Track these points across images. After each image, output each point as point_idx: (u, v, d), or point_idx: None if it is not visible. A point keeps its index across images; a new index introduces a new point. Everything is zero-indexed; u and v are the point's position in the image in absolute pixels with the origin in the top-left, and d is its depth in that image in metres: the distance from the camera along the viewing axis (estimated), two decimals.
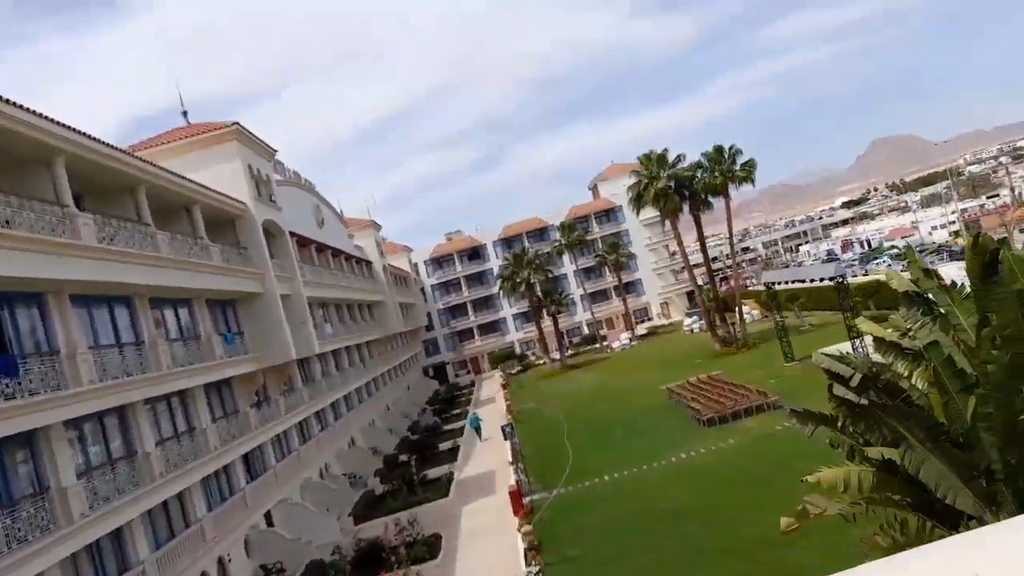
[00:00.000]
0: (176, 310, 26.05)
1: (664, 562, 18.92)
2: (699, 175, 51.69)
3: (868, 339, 31.79)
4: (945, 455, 9.70)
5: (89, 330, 20.14)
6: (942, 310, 11.51)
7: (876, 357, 13.99)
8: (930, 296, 11.77)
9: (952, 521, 10.31)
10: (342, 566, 23.88)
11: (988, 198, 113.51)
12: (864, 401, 10.75)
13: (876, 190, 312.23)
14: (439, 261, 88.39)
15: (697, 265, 64.17)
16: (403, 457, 40.41)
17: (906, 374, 11.65)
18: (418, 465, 35.61)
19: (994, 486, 9.73)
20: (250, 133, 33.42)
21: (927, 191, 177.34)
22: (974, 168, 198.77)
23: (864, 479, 10.65)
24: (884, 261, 75.71)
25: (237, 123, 32.07)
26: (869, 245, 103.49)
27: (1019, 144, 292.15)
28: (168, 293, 24.49)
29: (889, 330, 13.39)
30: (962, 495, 9.69)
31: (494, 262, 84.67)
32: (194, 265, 25.05)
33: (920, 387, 11.31)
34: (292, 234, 37.11)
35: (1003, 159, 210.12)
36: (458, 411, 57.85)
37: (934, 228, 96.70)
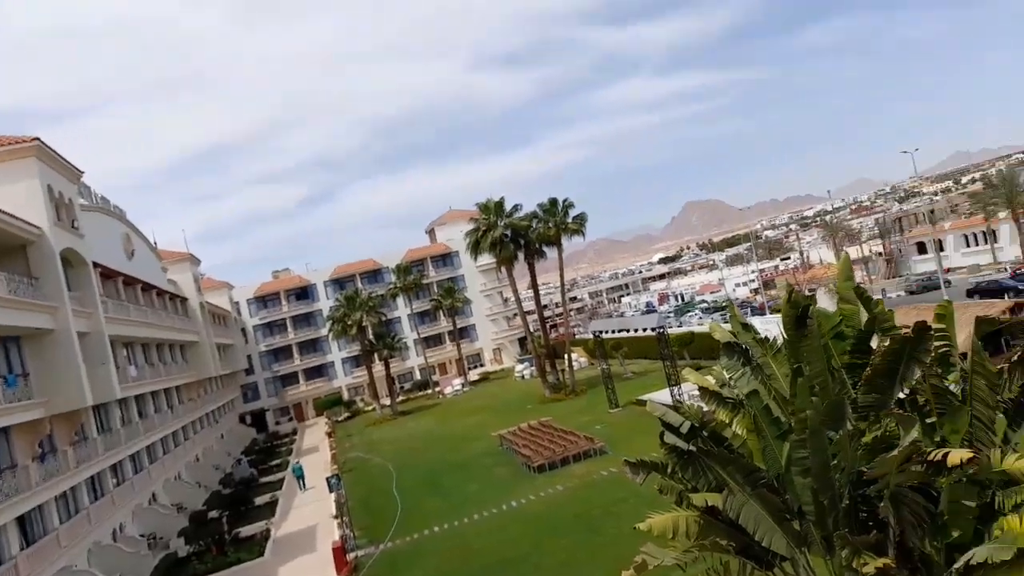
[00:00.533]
0: None
1: None
2: (534, 225, 53.45)
3: (686, 386, 33.94)
4: (762, 499, 10.15)
5: None
6: (758, 361, 12.25)
7: (698, 404, 14.72)
8: (747, 347, 12.51)
9: (768, 563, 10.84)
10: None
11: (782, 259, 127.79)
12: (692, 448, 11.08)
13: (688, 248, 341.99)
14: (264, 300, 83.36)
15: (529, 312, 65.81)
16: (213, 513, 36.79)
17: (727, 421, 12.23)
18: (231, 522, 32.57)
19: (805, 527, 10.30)
20: (53, 151, 29.85)
21: (731, 251, 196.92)
22: (770, 232, 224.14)
23: (691, 524, 10.90)
24: (696, 314, 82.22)
25: (38, 139, 28.56)
26: (683, 299, 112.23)
27: (806, 214, 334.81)
28: None
29: (711, 379, 14.08)
30: (776, 536, 10.15)
31: (324, 303, 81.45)
32: None
33: (740, 433, 11.90)
34: (96, 265, 33.39)
35: (793, 226, 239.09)
36: (278, 461, 54.10)
37: (737, 285, 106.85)
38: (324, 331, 75.92)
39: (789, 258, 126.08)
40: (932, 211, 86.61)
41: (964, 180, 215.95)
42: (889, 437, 10.05)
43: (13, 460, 24.68)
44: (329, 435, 58.68)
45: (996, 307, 32.03)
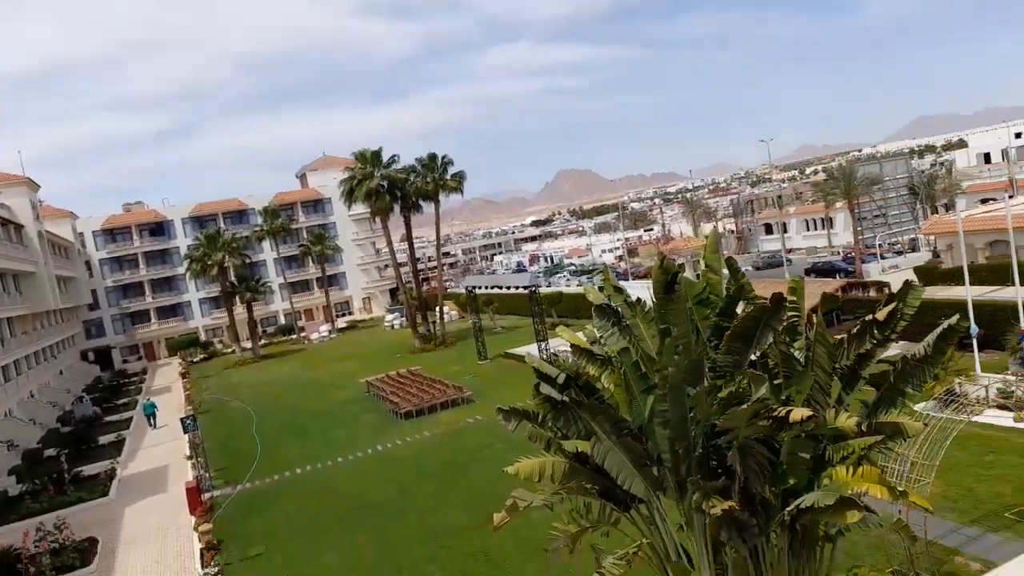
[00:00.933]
0: None
1: (356, 556, 18.63)
2: (412, 179, 52.70)
3: (554, 342, 35.31)
4: (626, 447, 10.95)
5: None
6: (627, 322, 13.07)
7: (571, 359, 15.51)
8: (618, 309, 13.29)
9: (627, 505, 11.79)
10: None
11: (645, 230, 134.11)
12: (566, 398, 11.70)
13: (560, 213, 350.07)
14: (113, 233, 76.88)
15: (402, 264, 65.23)
16: (50, 452, 34.34)
17: (597, 376, 13.02)
18: (70, 461, 30.50)
19: (662, 473, 11.26)
20: None
21: (600, 219, 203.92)
22: (636, 205, 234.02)
23: (557, 469, 11.54)
24: (564, 276, 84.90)
25: None
26: (552, 261, 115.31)
27: (669, 190, 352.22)
28: None
29: (582, 336, 14.83)
30: (636, 481, 11.01)
31: (182, 240, 76.47)
32: None
33: (608, 388, 12.71)
34: None
35: (657, 200, 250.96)
36: (125, 400, 50.94)
37: (604, 251, 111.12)
38: (181, 270, 71.50)
39: (652, 229, 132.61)
40: (779, 196, 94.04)
41: (808, 171, 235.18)
42: (741, 394, 11.05)
43: None
44: (183, 376, 55.94)
45: (830, 286, 35.66)
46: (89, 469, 30.83)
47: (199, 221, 78.18)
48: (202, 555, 19.59)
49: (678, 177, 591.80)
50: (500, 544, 17.40)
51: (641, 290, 15.64)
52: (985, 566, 13.25)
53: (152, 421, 40.57)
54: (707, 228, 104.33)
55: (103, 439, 37.26)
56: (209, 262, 60.45)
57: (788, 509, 9.75)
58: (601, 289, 14.27)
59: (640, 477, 10.92)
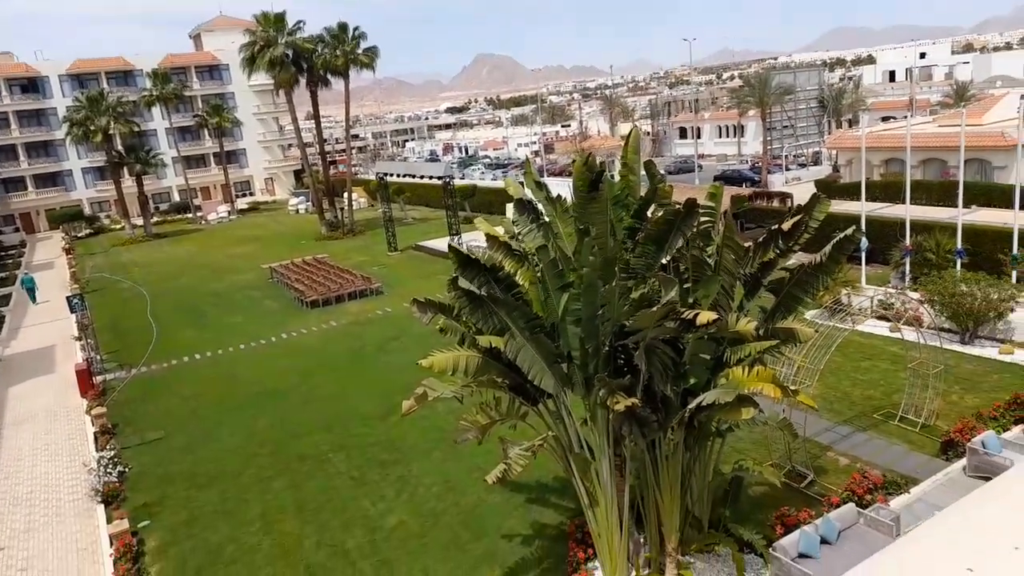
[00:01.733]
0: None
1: (257, 441, 18.58)
2: (320, 50, 49.40)
3: (466, 236, 35.09)
4: (538, 343, 11.13)
5: None
6: (546, 218, 12.97)
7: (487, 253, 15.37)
8: (538, 205, 13.14)
9: (535, 399, 12.13)
10: None
11: (563, 126, 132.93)
12: (485, 293, 11.62)
13: (476, 102, 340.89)
14: None
15: (308, 144, 62.16)
16: None
17: (512, 272, 12.99)
18: None
19: (571, 370, 11.58)
20: None
21: (517, 111, 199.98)
22: (555, 98, 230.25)
23: (471, 363, 11.64)
24: (479, 168, 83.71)
25: None
26: (467, 151, 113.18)
27: (588, 85, 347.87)
28: None
29: (500, 230, 14.65)
30: (546, 377, 11.28)
31: (59, 100, 69.62)
32: None
33: (523, 284, 12.74)
34: None
35: (576, 95, 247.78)
36: (3, 275, 47.46)
37: (520, 145, 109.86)
38: (60, 134, 65.44)
39: (570, 125, 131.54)
40: (696, 100, 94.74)
41: (725, 76, 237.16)
42: (651, 296, 11.36)
43: None
44: (67, 251, 52.46)
45: (736, 193, 36.81)
46: None
47: (79, 80, 71.25)
48: (96, 438, 19.03)
49: (598, 72, 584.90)
50: (405, 434, 17.78)
51: (558, 187, 15.48)
52: (852, 460, 14.67)
53: (33, 296, 38.32)
54: (625, 127, 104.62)
55: None
56: (92, 127, 55.37)
57: (690, 407, 10.29)
58: (522, 183, 14.05)
59: (551, 373, 11.17)
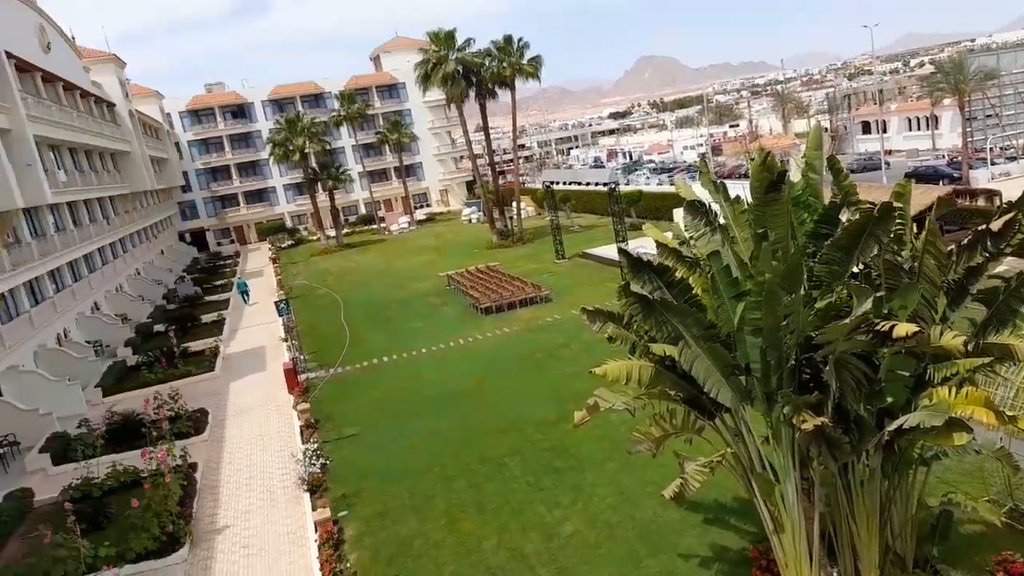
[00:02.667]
0: None
1: (440, 443, 19.67)
2: (487, 63, 51.29)
3: (633, 243, 34.96)
4: (714, 353, 10.85)
5: None
6: (722, 221, 12.57)
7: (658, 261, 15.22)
8: (714, 208, 12.76)
9: (712, 413, 11.86)
10: (91, 440, 21.66)
11: (731, 126, 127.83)
12: (657, 296, 11.51)
13: (639, 105, 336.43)
14: (198, 114, 78.88)
15: (478, 155, 64.77)
16: (160, 327, 37.09)
17: (684, 279, 12.79)
18: (178, 336, 32.90)
19: (750, 383, 11.23)
20: None
21: (682, 113, 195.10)
22: (721, 97, 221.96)
23: (644, 373, 11.57)
24: (644, 173, 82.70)
25: None
26: (631, 156, 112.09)
27: (757, 81, 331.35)
28: None
29: (669, 235, 14.45)
30: (723, 389, 10.99)
31: (263, 123, 77.82)
32: None
33: (696, 292, 12.50)
34: (9, 55, 30.59)
35: (744, 93, 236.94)
36: (222, 282, 53.95)
37: (686, 148, 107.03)
38: (264, 154, 73.10)
39: (738, 125, 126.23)
40: (880, 91, 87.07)
41: (914, 63, 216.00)
42: (840, 306, 10.68)
43: None
44: (274, 261, 58.52)
45: (933, 192, 33.48)
46: (195, 345, 33.24)
47: (278, 104, 79.17)
48: (301, 432, 21.15)
49: (768, 67, 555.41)
50: (579, 442, 18.01)
51: (732, 190, 14.96)
52: None
53: (245, 298, 43.91)
54: (799, 125, 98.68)
55: (205, 318, 39.89)
56: (291, 147, 61.52)
57: (889, 429, 9.53)
58: (698, 180, 13.62)
59: (728, 386, 10.87)
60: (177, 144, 76.59)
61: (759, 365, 10.83)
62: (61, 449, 21.76)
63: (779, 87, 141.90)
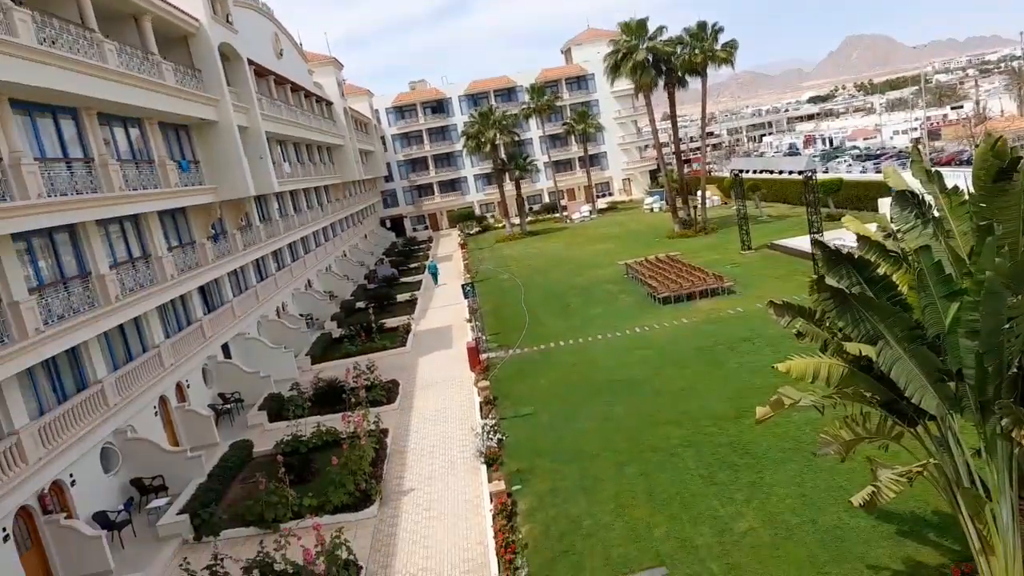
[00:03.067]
0: (127, 129, 24.42)
1: (613, 427, 19.78)
2: (679, 51, 49.94)
3: (828, 235, 32.55)
4: (919, 356, 9.96)
5: (33, 141, 18.70)
6: (936, 214, 11.40)
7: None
8: (927, 199, 11.61)
9: (912, 419, 10.86)
10: (301, 402, 24.36)
11: (953, 108, 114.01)
12: (856, 292, 10.72)
13: (844, 88, 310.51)
14: (401, 110, 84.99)
15: (663, 144, 63.42)
16: (360, 304, 40.60)
17: (888, 275, 11.75)
18: (376, 313, 35.83)
19: (961, 390, 10.15)
20: None
21: (894, 94, 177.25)
22: (942, 77, 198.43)
23: (833, 372, 10.85)
24: (845, 160, 76.41)
25: None
26: (831, 143, 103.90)
27: (988, 57, 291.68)
28: (117, 110, 22.79)
29: (872, 227, 13.32)
30: (928, 396, 10.06)
31: (459, 118, 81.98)
32: (145, 82, 23.09)
33: (900, 289, 11.45)
34: (250, 62, 34.65)
35: (971, 71, 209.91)
36: (415, 265, 57.93)
37: (896, 133, 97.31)
38: (458, 146, 77.02)
39: (961, 106, 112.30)
40: None
41: None
42: None
43: (192, 238, 27.76)
44: (462, 246, 61.65)
45: None
46: (390, 322, 36.00)
47: (473, 99, 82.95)
48: (481, 408, 22.21)
49: (1001, 42, 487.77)
50: (758, 439, 17.30)
51: (948, 179, 13.54)
52: None
53: (435, 278, 47.51)
54: None
55: (400, 297, 43.03)
56: (483, 139, 64.28)
57: None
58: (909, 168, 12.50)
59: (934, 392, 10.00)
60: (382, 138, 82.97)
61: (973, 371, 9.83)
62: (276, 408, 24.64)
63: (1015, 64, 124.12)
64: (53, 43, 18.13)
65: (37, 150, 18.72)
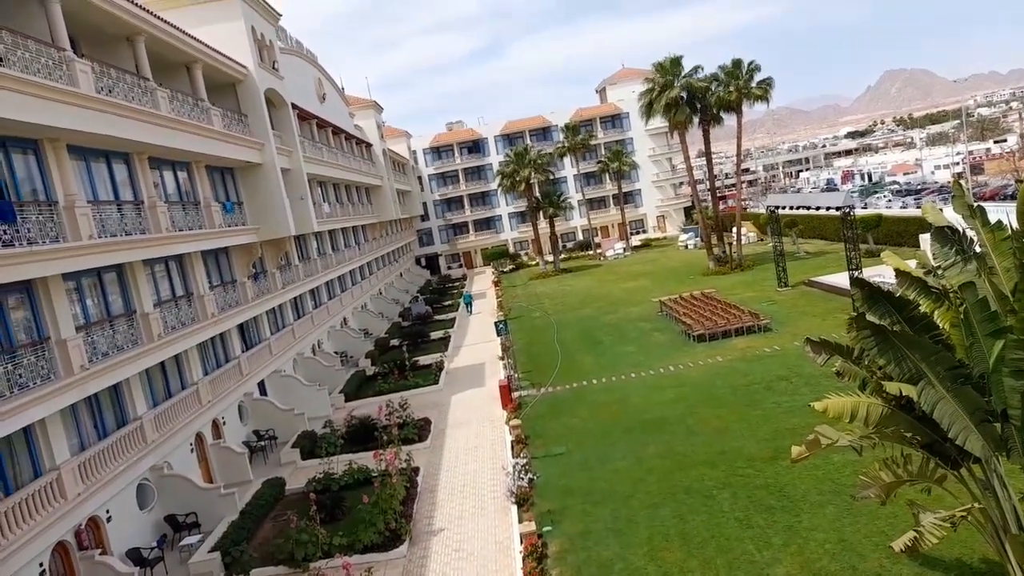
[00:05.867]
0: (175, 173, 25.33)
1: (646, 469, 19.38)
2: (713, 88, 50.08)
3: (868, 272, 31.93)
4: (962, 396, 9.68)
5: (87, 184, 19.50)
6: (977, 249, 11.16)
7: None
8: (969, 234, 11.38)
9: (956, 461, 10.48)
10: (334, 439, 24.46)
11: (995, 142, 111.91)
12: (896, 328, 10.47)
13: (883, 123, 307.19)
14: (438, 151, 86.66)
15: (699, 181, 63.30)
16: (394, 342, 40.89)
17: (929, 312, 11.47)
18: (409, 351, 36.03)
19: (1007, 431, 9.80)
20: None
21: (934, 129, 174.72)
22: (984, 110, 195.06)
23: (873, 412, 10.59)
24: (885, 196, 75.33)
25: None
26: (870, 178, 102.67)
27: None
28: (167, 154, 23.70)
29: (912, 264, 13.05)
30: (972, 437, 9.73)
31: (494, 157, 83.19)
32: (194, 127, 24.01)
33: (943, 327, 11.15)
34: (294, 106, 35.75)
35: (1015, 104, 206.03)
36: (449, 302, 58.31)
37: (937, 167, 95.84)
38: (493, 185, 78.05)
39: (1005, 140, 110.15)
40: None
41: None
42: None
43: (233, 276, 28.41)
44: (495, 283, 61.96)
45: None
46: (423, 360, 36.15)
47: (508, 138, 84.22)
48: (512, 447, 22.02)
49: None
50: (795, 481, 16.81)
51: (991, 214, 13.25)
52: None
53: (469, 309, 48.24)
54: None
55: (433, 335, 43.27)
56: (518, 178, 64.95)
57: None
58: (951, 203, 12.26)
59: (978, 433, 9.67)
60: (419, 178, 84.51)
61: (1019, 412, 9.52)
62: (309, 446, 24.78)
63: None
64: (110, 92, 18.99)
65: (90, 192, 19.50)
